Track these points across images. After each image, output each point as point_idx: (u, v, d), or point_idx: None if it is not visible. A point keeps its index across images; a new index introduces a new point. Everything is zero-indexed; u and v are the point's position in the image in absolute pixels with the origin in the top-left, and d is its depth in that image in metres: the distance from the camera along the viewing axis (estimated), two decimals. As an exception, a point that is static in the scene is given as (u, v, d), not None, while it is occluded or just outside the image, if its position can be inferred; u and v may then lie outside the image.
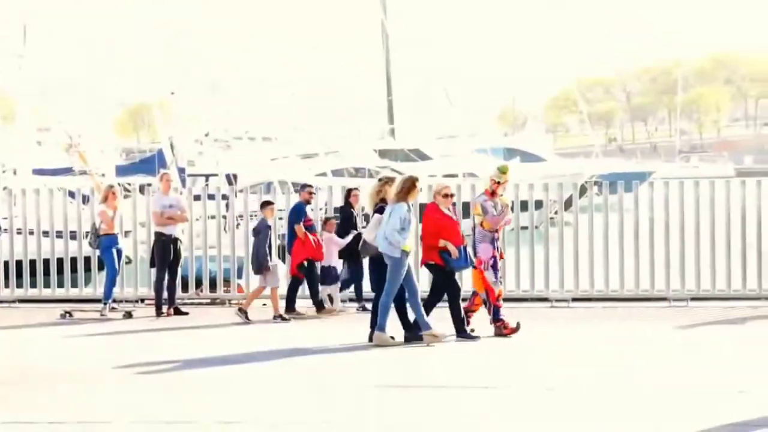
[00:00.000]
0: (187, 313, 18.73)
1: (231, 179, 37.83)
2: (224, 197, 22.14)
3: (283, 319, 17.85)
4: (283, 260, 19.41)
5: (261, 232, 18.16)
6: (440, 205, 15.24)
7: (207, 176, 39.83)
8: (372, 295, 15.28)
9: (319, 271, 18.53)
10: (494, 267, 15.53)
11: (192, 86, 40.52)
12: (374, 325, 15.07)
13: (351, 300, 19.08)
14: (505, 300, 16.77)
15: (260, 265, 18.05)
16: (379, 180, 15.79)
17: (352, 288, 19.04)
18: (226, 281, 20.26)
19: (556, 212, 20.32)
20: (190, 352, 14.82)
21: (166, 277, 18.77)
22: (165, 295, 18.77)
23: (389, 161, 56.03)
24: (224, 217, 21.49)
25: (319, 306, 18.49)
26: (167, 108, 45.56)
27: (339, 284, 18.71)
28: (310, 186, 19.05)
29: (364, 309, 18.40)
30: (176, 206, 18.95)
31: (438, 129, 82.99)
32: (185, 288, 20.04)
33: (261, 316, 18.05)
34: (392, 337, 14.96)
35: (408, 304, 15.05)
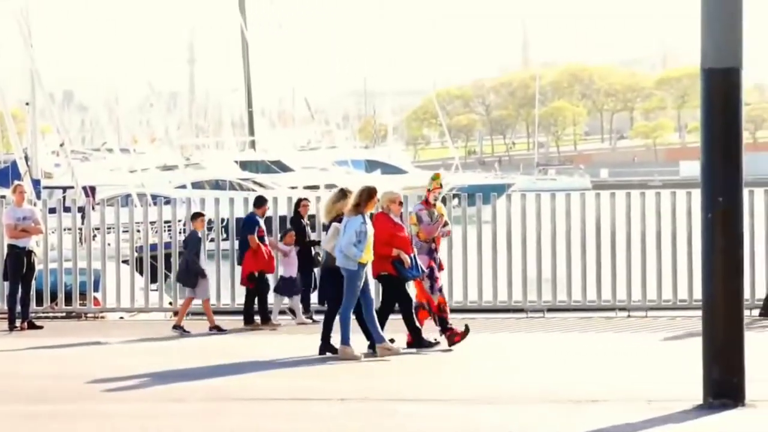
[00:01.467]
0: (41, 327, 18.37)
1: (88, 192, 37.24)
2: (80, 210, 21.80)
3: (219, 330, 17.74)
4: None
5: (189, 243, 18.07)
6: (390, 214, 15.12)
7: (63, 188, 39.17)
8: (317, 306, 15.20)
9: (280, 283, 18.57)
10: (431, 277, 15.47)
11: (46, 97, 39.78)
12: (326, 337, 14.96)
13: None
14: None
15: (192, 276, 17.89)
16: (340, 191, 15.38)
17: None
18: (82, 294, 19.92)
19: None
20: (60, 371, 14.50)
21: (20, 290, 18.38)
22: (18, 308, 18.38)
23: (250, 173, 55.84)
24: (80, 229, 21.16)
25: (265, 318, 18.36)
26: (21, 119, 44.73)
27: (300, 296, 18.76)
28: (266, 200, 18.95)
29: (311, 319, 18.58)
30: (30, 218, 18.58)
31: (299, 140, 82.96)
32: (39, 301, 19.67)
33: (199, 329, 17.86)
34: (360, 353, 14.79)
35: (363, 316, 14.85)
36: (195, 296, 18.01)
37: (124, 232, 20.61)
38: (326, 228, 15.64)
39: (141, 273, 20.26)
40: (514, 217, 19.63)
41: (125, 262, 20.31)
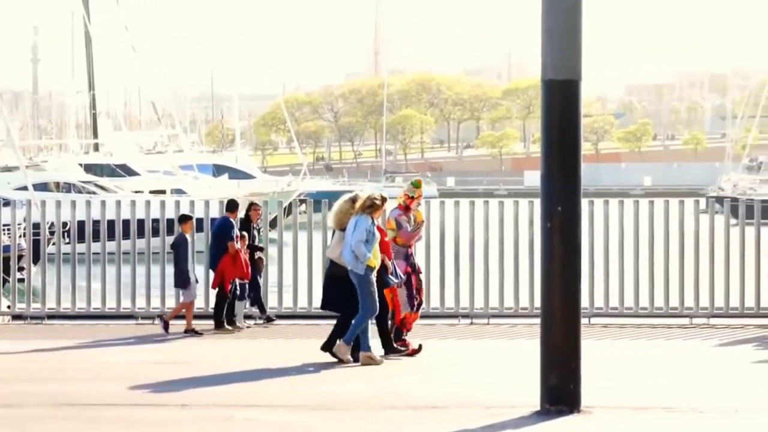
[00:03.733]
0: None
1: None
2: None
3: (196, 333, 17.61)
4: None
5: (180, 246, 17.89)
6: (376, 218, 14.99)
7: None
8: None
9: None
10: (407, 284, 15.40)
11: None
12: (333, 340, 14.87)
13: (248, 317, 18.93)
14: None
15: (185, 280, 17.82)
16: (351, 199, 15.08)
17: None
18: None
19: (259, 230, 20.34)
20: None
21: None
22: None
23: (94, 176, 55.03)
24: None
25: (220, 324, 18.19)
26: None
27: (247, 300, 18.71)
28: (238, 204, 18.81)
29: (269, 320, 18.75)
30: None
31: (145, 144, 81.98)
32: None
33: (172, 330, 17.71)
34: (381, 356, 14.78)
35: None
36: (184, 298, 17.90)
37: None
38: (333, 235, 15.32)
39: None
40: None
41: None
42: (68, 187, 49.80)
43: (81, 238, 19.43)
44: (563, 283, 11.20)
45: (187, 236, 18.07)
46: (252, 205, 19.26)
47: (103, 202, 19.90)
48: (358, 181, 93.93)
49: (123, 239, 19.48)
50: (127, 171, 58.66)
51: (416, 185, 15.96)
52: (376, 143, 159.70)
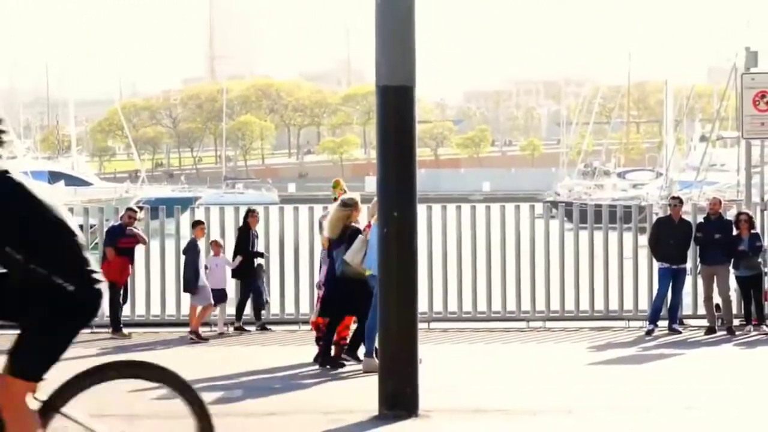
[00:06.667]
0: None
1: None
2: None
3: (200, 338, 17.59)
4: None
5: (189, 251, 17.89)
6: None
7: None
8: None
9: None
10: None
11: None
12: (353, 346, 14.80)
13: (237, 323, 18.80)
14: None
15: (187, 285, 17.90)
16: (345, 205, 14.76)
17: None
18: None
19: (96, 238, 20.02)
20: None
21: None
22: None
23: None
24: None
25: (116, 327, 18.17)
26: None
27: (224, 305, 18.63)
28: (133, 211, 18.85)
29: (264, 328, 18.65)
30: None
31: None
32: None
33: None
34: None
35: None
36: (196, 303, 17.87)
37: None
38: (337, 243, 14.75)
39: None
40: (184, 230, 19.60)
41: None
42: None
43: None
44: (399, 288, 11.24)
45: (198, 242, 18.04)
46: (250, 212, 19.12)
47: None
48: (198, 188, 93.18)
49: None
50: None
51: (333, 185, 16.18)
52: (216, 149, 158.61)
